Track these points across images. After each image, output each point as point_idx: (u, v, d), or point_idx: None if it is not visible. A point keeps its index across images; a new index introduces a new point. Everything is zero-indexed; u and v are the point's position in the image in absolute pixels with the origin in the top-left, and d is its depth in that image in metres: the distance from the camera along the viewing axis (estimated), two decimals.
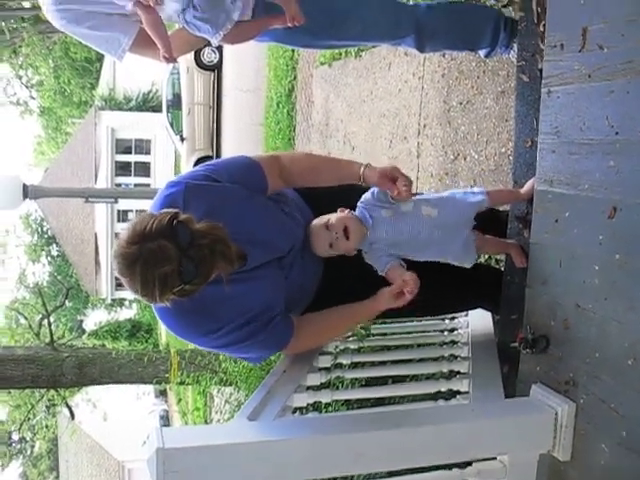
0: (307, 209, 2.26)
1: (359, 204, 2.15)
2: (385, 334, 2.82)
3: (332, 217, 2.10)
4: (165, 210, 1.71)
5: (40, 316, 13.70)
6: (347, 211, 2.12)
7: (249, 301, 1.97)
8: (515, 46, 2.69)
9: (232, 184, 2.01)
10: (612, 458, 1.67)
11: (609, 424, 1.68)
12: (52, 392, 11.73)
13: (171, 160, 23.56)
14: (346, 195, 2.19)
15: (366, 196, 2.16)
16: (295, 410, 2.12)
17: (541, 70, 2.02)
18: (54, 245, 28.85)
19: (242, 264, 1.79)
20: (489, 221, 2.21)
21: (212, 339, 1.98)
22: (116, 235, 24.59)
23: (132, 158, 24.96)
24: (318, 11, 2.50)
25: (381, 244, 2.12)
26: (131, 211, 24.49)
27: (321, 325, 2.17)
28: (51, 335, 10.70)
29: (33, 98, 29.26)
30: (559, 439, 1.79)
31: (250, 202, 2.03)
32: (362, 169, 2.08)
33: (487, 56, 2.93)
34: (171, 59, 2.41)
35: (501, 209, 2.53)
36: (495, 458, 1.86)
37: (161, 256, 1.60)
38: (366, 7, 2.62)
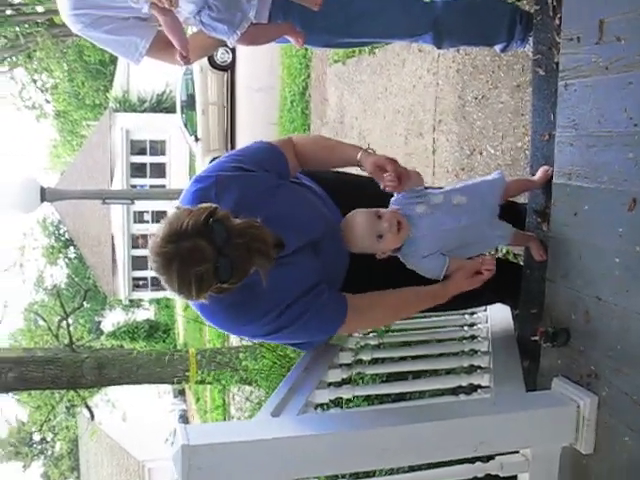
0: (329, 198, 2.25)
1: (391, 205, 2.08)
2: (405, 330, 2.83)
3: (383, 210, 2.01)
4: (202, 205, 1.70)
5: (59, 318, 13.80)
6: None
7: (292, 284, 1.94)
8: (531, 40, 2.68)
9: (262, 172, 2.02)
10: (636, 451, 1.67)
11: (632, 416, 1.67)
12: (72, 393, 11.83)
13: (186, 160, 23.63)
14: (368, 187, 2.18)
15: (397, 195, 2.09)
16: (317, 406, 2.12)
17: (557, 63, 2.01)
18: (71, 247, 29.07)
19: (280, 250, 1.77)
20: (510, 214, 2.20)
21: (261, 326, 1.95)
22: (133, 236, 24.75)
23: (147, 159, 25.07)
24: (336, 9, 2.51)
25: (427, 241, 2.04)
26: (147, 212, 24.64)
27: (382, 303, 2.08)
28: (70, 336, 10.78)
29: (48, 102, 29.44)
30: (581, 432, 1.79)
31: (281, 188, 2.04)
32: (359, 155, 2.08)
33: (503, 50, 2.93)
34: (187, 60, 2.42)
35: (519, 202, 2.53)
36: (517, 451, 1.86)
37: (197, 256, 1.60)
38: (384, 5, 2.63)
